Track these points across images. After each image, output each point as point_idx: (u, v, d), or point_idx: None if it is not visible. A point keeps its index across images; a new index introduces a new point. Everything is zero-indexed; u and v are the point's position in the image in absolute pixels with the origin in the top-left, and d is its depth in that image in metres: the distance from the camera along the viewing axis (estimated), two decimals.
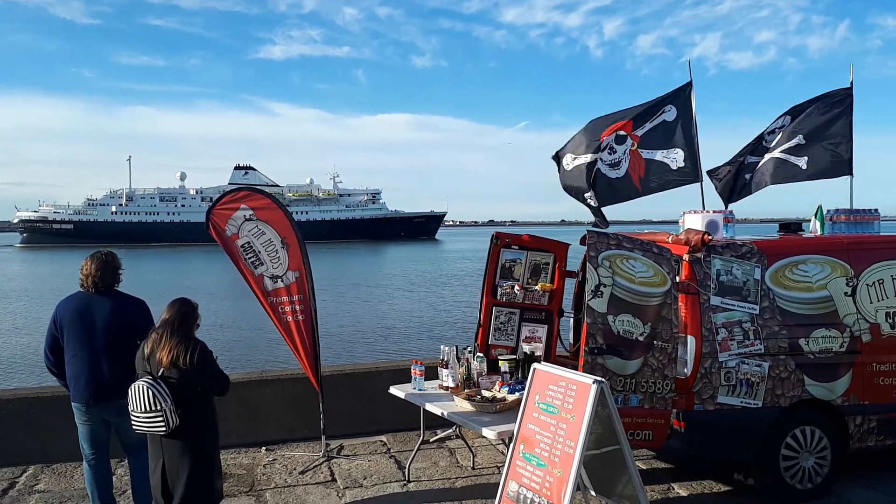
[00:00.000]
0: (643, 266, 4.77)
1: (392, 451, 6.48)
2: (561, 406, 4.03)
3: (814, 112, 6.61)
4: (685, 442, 4.90)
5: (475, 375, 5.43)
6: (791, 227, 6.25)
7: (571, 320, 6.60)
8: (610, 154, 6.31)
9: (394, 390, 5.67)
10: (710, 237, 4.99)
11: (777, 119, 6.75)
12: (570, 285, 6.65)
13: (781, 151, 6.57)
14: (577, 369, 6.37)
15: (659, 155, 6.15)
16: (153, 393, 3.87)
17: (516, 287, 6.43)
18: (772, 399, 4.97)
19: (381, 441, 6.76)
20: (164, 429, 3.92)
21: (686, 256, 5.02)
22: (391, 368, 7.31)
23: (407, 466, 5.76)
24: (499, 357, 5.86)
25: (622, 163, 6.27)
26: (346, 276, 39.65)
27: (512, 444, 4.29)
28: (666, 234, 5.38)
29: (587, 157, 6.49)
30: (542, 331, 6.49)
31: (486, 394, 5.10)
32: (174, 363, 3.93)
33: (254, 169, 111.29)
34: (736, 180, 6.84)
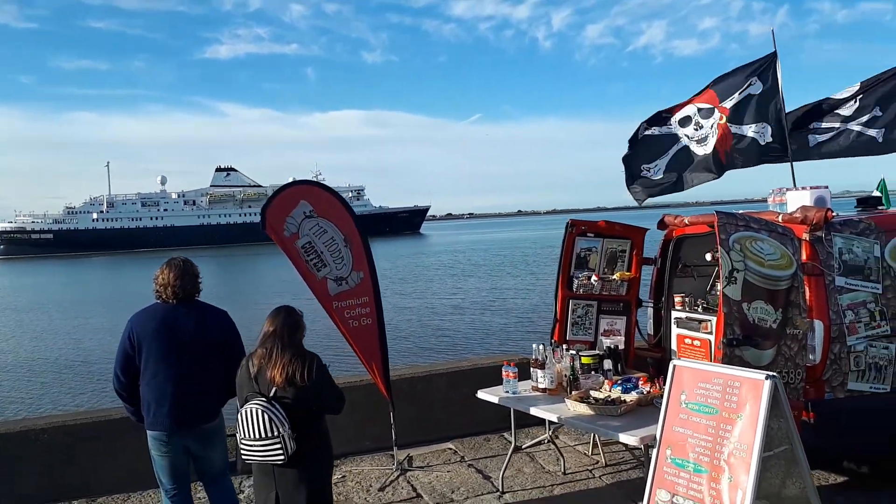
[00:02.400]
0: (770, 248, 4.39)
1: (466, 459, 6.03)
2: (720, 405, 3.63)
3: (888, 84, 6.32)
4: (816, 433, 4.55)
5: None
6: (869, 201, 5.96)
7: (650, 310, 6.23)
8: (697, 129, 5.92)
9: (483, 395, 5.21)
10: (833, 214, 4.65)
11: (846, 90, 6.42)
12: (646, 273, 6.29)
13: (857, 123, 6.27)
14: (660, 361, 6.07)
15: (747, 130, 5.78)
16: (269, 417, 3.37)
17: (593, 277, 6.03)
18: None
19: (451, 448, 6.31)
20: (281, 457, 3.42)
21: (806, 236, 4.67)
22: (451, 370, 6.87)
23: (500, 476, 5.32)
24: (581, 354, 5.45)
25: (709, 138, 5.90)
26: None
27: (656, 450, 3.88)
28: (773, 213, 5.02)
29: (657, 130, 6.09)
30: (620, 323, 6.12)
31: (596, 394, 4.68)
32: (290, 381, 3.43)
33: (235, 170, 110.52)
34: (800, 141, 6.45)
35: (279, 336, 3.51)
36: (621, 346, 5.78)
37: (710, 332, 5.49)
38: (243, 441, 3.46)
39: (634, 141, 6.23)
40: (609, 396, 4.61)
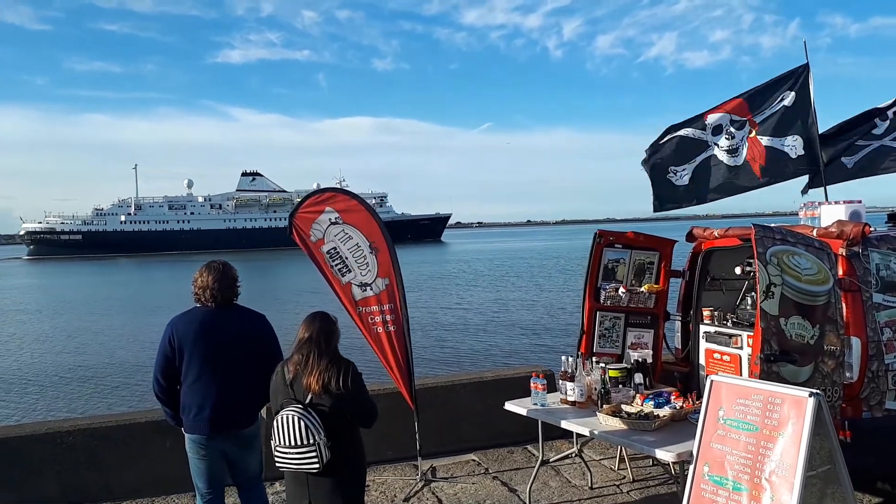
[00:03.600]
0: (808, 262, 4.33)
1: (491, 471, 5.97)
2: (761, 422, 3.57)
3: None
4: (853, 453, 4.45)
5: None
6: None
7: (678, 323, 6.16)
8: (728, 140, 5.86)
9: (511, 406, 5.15)
10: (871, 229, 4.58)
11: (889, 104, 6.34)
12: (674, 286, 6.22)
13: (890, 139, 6.19)
14: (687, 376, 6.00)
15: (778, 143, 5.73)
16: (305, 424, 3.34)
17: (621, 289, 5.97)
18: None
19: (474, 460, 6.26)
20: (316, 465, 3.38)
21: (842, 251, 4.60)
22: (474, 381, 6.83)
23: (528, 489, 5.25)
24: (608, 367, 5.38)
25: (741, 149, 5.84)
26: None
27: (692, 467, 3.81)
28: (807, 227, 4.95)
29: (690, 132, 6.02)
30: (648, 336, 6.05)
31: (628, 409, 4.62)
32: (326, 388, 3.39)
33: (261, 175, 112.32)
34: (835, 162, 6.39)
35: (315, 342, 3.48)
36: (649, 360, 5.70)
37: (741, 347, 5.42)
38: (278, 448, 3.43)
39: (662, 142, 6.15)
40: (642, 411, 4.54)
